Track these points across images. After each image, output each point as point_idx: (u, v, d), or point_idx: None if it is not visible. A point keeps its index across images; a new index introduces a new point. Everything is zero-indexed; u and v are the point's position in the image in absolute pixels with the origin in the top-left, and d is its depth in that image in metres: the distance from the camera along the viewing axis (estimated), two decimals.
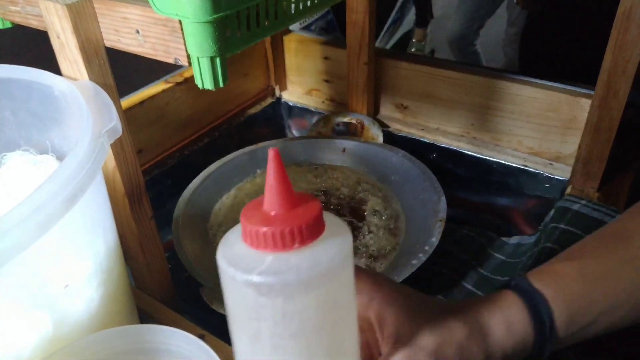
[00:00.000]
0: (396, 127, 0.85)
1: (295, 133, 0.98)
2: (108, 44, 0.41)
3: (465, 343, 0.36)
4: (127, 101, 0.72)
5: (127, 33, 0.39)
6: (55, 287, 0.34)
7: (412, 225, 0.69)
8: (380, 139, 0.81)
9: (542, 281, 0.39)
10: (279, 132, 0.98)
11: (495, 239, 0.76)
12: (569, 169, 0.74)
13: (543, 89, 0.72)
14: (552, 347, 0.39)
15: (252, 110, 0.93)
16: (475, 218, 0.84)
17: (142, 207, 0.49)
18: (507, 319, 0.38)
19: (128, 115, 0.71)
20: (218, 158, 0.81)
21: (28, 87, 0.42)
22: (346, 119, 0.84)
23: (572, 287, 0.39)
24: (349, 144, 0.82)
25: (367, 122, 0.83)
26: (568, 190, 0.72)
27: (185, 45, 0.36)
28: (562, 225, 0.66)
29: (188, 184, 0.76)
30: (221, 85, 0.37)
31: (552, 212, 0.70)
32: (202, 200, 0.73)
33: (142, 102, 0.73)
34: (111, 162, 0.45)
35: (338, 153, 0.83)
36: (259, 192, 0.77)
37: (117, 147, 0.45)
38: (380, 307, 0.36)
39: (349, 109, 0.86)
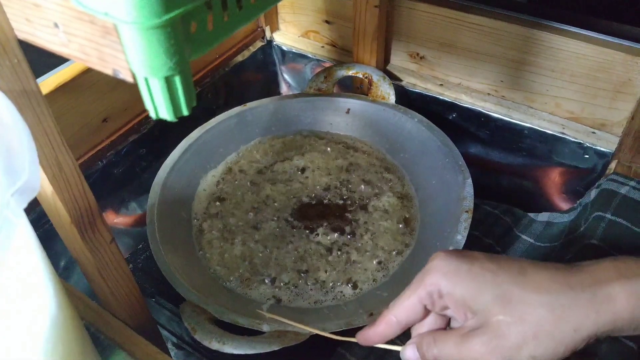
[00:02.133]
0: (409, 81, 0.72)
1: (291, 82, 0.85)
2: (21, 36, 0.28)
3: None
4: None
5: (43, 26, 0.26)
6: None
7: (429, 215, 0.59)
8: (392, 99, 0.68)
9: None
10: (271, 81, 0.85)
11: (522, 216, 0.66)
12: (615, 139, 0.62)
13: (594, 45, 0.59)
14: None
15: (239, 58, 0.79)
16: (498, 189, 0.74)
17: (96, 233, 0.38)
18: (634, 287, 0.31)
19: (86, 78, 0.59)
20: (201, 118, 0.68)
21: None
22: (351, 72, 0.71)
23: None
24: (354, 103, 0.70)
25: (376, 77, 0.70)
26: (612, 165, 0.61)
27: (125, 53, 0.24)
28: (608, 216, 0.55)
29: (167, 150, 0.64)
30: (185, 113, 0.25)
31: (593, 194, 0.60)
32: (182, 180, 0.62)
33: None
34: (48, 187, 0.34)
35: (342, 114, 0.70)
36: (256, 169, 0.65)
37: (54, 167, 0.33)
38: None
39: (354, 59, 0.73)
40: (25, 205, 0.24)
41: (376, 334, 0.38)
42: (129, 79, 0.25)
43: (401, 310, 0.36)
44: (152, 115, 0.25)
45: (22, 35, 0.28)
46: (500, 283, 0.32)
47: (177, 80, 0.23)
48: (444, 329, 0.37)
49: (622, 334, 0.32)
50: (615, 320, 0.31)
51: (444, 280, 0.34)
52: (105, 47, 0.24)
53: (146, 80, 0.23)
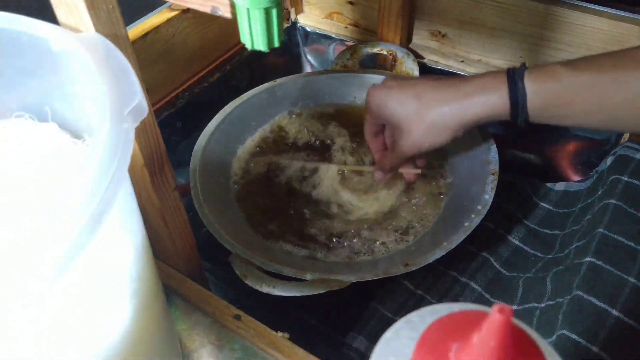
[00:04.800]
0: (431, 59, 0.76)
1: (313, 62, 0.88)
2: None
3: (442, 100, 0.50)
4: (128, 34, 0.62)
5: None
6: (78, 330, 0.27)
7: (457, 179, 0.62)
8: (416, 74, 0.71)
9: (535, 77, 0.48)
10: (295, 61, 0.88)
11: (540, 185, 0.70)
12: None
13: (609, 19, 0.62)
14: (524, 123, 0.49)
15: None
16: (515, 160, 0.77)
17: (164, 178, 0.42)
18: (488, 99, 0.49)
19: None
20: (231, 94, 0.72)
21: (17, 40, 0.33)
22: (376, 50, 0.74)
23: (556, 88, 0.47)
24: (379, 79, 0.73)
25: (400, 53, 0.73)
26: (626, 134, 0.65)
27: None
28: (625, 178, 0.59)
29: (200, 125, 0.68)
30: (276, 45, 0.28)
31: (609, 160, 0.63)
32: (219, 149, 0.65)
33: (144, 35, 0.62)
34: None
35: (367, 90, 0.73)
36: (287, 139, 0.69)
37: None
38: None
39: (379, 37, 0.76)
40: (137, 124, 0.27)
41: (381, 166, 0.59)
42: (227, 15, 0.28)
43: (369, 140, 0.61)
44: (248, 46, 0.28)
45: None
46: (405, 104, 0.52)
47: (274, 12, 0.27)
48: None
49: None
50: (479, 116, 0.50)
51: (376, 111, 0.55)
52: None
53: (248, 11, 0.26)
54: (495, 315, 0.16)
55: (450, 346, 0.19)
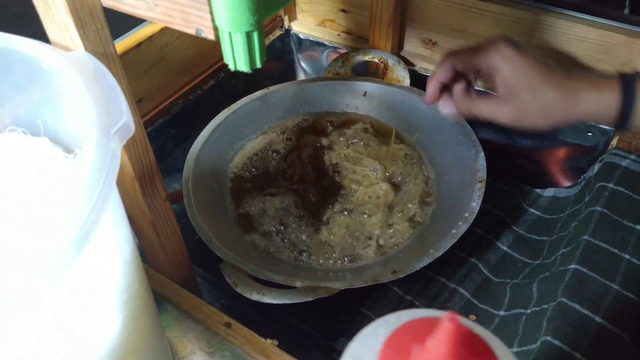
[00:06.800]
0: (422, 66, 0.77)
1: (307, 69, 0.89)
2: (106, 3, 0.33)
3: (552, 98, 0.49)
4: (122, 44, 0.63)
5: None
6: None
7: (446, 186, 0.63)
8: (407, 82, 0.72)
9: None
10: (288, 68, 0.89)
11: (529, 191, 0.71)
12: None
13: (596, 28, 0.63)
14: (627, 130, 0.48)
15: None
16: (505, 166, 0.78)
17: (154, 190, 0.43)
18: (599, 100, 0.47)
19: (124, 61, 0.63)
20: (225, 101, 0.73)
21: (10, 57, 0.34)
22: (368, 57, 0.75)
23: None
24: (370, 86, 0.74)
25: (391, 61, 0.74)
26: (614, 142, 0.66)
27: (211, 13, 0.28)
28: (611, 185, 0.60)
29: (194, 131, 0.68)
30: (258, 65, 0.29)
31: (597, 167, 0.64)
32: (213, 156, 0.66)
33: (138, 45, 0.63)
34: None
35: (359, 97, 0.75)
36: (280, 147, 0.70)
37: None
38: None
39: (371, 45, 0.77)
40: (124, 143, 0.28)
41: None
42: (211, 37, 0.29)
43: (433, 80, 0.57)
44: (231, 67, 0.29)
45: (107, 3, 0.33)
46: (535, 78, 0.49)
47: (255, 35, 0.28)
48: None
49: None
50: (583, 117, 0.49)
51: (503, 61, 0.50)
52: (190, 9, 0.29)
53: (230, 35, 0.27)
54: (445, 324, 0.17)
55: (413, 348, 0.20)
